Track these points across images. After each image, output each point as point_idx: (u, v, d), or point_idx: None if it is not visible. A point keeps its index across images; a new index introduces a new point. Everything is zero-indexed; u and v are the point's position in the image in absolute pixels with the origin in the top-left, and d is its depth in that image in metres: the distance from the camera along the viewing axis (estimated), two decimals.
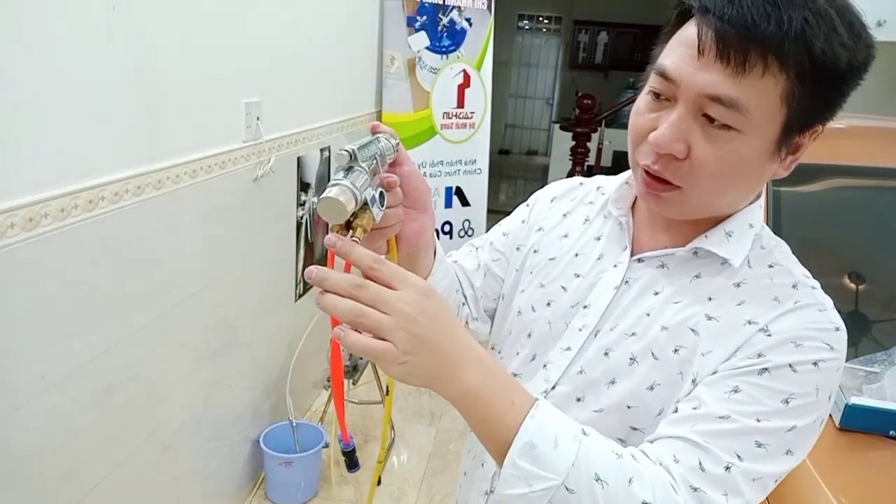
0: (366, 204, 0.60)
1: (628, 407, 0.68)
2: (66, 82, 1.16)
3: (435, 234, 0.78)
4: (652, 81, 0.63)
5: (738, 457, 0.59)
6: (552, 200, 0.86)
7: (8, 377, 1.11)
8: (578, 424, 0.58)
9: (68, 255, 1.21)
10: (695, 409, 0.62)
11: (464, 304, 0.87)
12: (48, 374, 1.20)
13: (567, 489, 0.54)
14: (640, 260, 0.72)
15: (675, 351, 0.66)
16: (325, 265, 0.54)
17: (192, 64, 1.54)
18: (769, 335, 0.62)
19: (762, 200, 0.72)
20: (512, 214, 0.91)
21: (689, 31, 0.60)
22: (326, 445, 2.19)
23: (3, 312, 1.09)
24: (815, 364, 0.60)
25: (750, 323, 0.63)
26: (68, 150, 1.19)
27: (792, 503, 0.99)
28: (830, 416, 1.14)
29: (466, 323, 0.87)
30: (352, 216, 0.59)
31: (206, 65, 1.60)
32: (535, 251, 0.82)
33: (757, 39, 0.56)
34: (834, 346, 0.61)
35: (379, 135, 0.66)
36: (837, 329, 0.62)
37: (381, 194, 0.63)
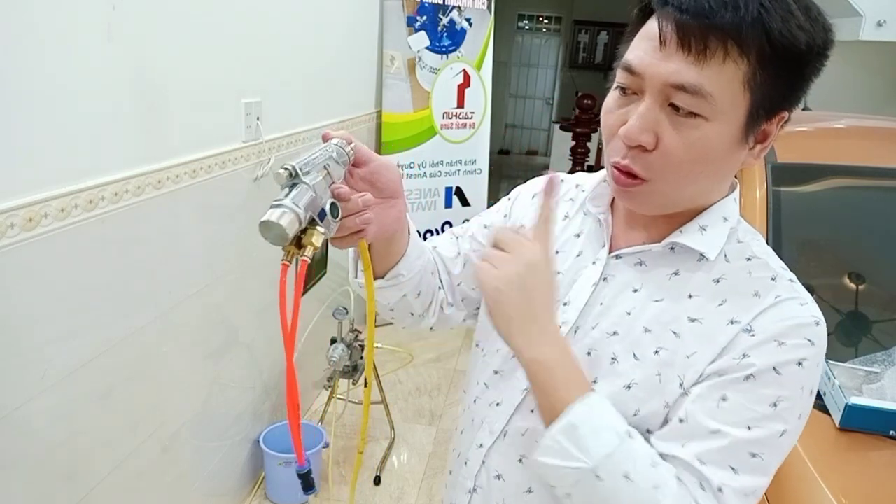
0: (313, 221, 0.57)
1: None
2: (67, 82, 1.16)
3: (407, 212, 0.79)
4: (619, 77, 0.64)
5: (734, 470, 0.60)
6: (533, 197, 0.86)
7: (8, 377, 1.11)
8: (626, 426, 0.62)
9: (68, 255, 1.21)
10: (682, 421, 0.63)
11: (440, 288, 0.88)
12: (48, 374, 1.20)
13: (596, 475, 0.59)
14: (618, 257, 0.73)
15: (656, 352, 0.67)
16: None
17: (192, 64, 1.54)
18: (753, 335, 0.63)
19: (737, 194, 0.72)
20: (493, 207, 0.91)
21: (651, 25, 0.62)
22: (326, 445, 2.20)
23: (3, 312, 1.09)
24: (799, 364, 0.61)
25: (733, 322, 0.64)
26: (68, 150, 1.19)
27: (792, 503, 0.99)
28: (830, 415, 1.14)
29: (441, 307, 0.88)
30: (301, 233, 0.56)
31: (206, 65, 1.60)
32: None
33: (715, 26, 0.57)
34: (815, 341, 0.62)
35: (330, 141, 0.66)
36: (817, 323, 0.63)
37: (334, 206, 0.60)
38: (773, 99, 0.61)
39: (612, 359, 0.69)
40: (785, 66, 0.59)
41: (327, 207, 0.59)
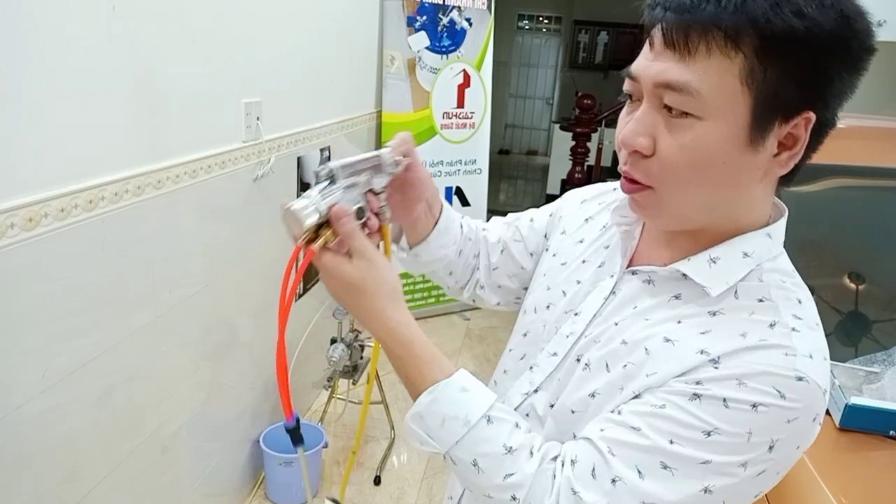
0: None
1: (572, 412, 0.68)
2: (66, 82, 1.16)
3: (443, 201, 0.88)
4: (624, 85, 0.64)
5: (639, 472, 0.58)
6: (582, 202, 0.86)
7: (8, 377, 1.11)
8: (486, 410, 0.63)
9: (68, 255, 1.21)
10: (612, 411, 0.63)
11: (477, 269, 0.92)
12: (48, 374, 1.20)
13: (451, 459, 0.64)
14: (634, 272, 0.71)
15: (625, 366, 0.65)
16: None
17: (192, 64, 1.54)
18: (717, 367, 0.59)
19: (774, 229, 0.67)
20: (545, 206, 0.92)
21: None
22: (326, 445, 2.20)
23: (3, 312, 1.09)
24: (752, 406, 0.56)
25: (702, 353, 0.60)
26: (68, 150, 1.19)
27: (792, 503, 0.99)
28: (830, 415, 1.14)
29: (477, 287, 0.92)
30: (320, 226, 0.63)
31: (206, 65, 1.60)
32: (553, 254, 0.83)
33: (696, 20, 0.56)
34: (786, 394, 0.56)
35: (383, 149, 0.71)
36: (800, 379, 0.56)
37: (360, 210, 0.66)
38: (785, 97, 0.56)
39: (586, 365, 0.68)
40: (788, 58, 0.55)
41: (353, 210, 0.64)
